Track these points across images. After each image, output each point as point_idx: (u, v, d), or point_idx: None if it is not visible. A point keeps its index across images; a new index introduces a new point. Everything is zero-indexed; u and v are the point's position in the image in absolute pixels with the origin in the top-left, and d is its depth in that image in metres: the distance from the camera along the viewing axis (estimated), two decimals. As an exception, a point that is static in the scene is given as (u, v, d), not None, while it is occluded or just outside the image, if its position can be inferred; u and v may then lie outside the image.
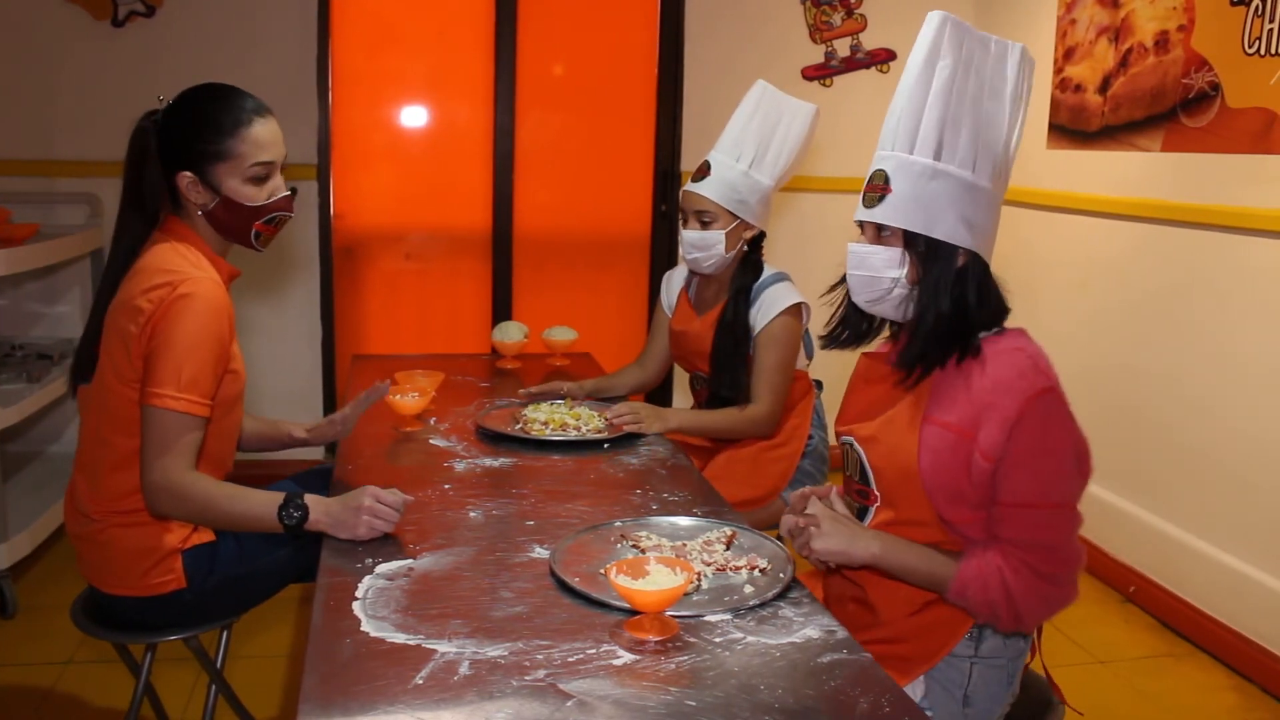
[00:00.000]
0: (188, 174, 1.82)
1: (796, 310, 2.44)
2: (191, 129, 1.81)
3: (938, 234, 1.51)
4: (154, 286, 1.74)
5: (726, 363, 2.48)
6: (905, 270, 1.53)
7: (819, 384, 2.67)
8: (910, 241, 1.53)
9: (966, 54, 1.51)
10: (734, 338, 2.46)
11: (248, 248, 1.93)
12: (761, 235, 2.52)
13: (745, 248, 2.49)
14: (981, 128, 1.51)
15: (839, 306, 1.69)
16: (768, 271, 2.51)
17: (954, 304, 1.52)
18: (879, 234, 1.57)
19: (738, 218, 2.44)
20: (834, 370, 2.73)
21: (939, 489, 1.51)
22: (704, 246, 2.45)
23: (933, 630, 1.57)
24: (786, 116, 2.48)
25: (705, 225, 2.44)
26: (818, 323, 2.56)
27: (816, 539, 1.52)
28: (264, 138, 1.84)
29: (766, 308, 2.44)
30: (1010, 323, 1.60)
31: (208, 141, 1.81)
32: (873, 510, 1.62)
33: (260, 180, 1.85)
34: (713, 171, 2.44)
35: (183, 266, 1.77)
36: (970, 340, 1.53)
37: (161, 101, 1.86)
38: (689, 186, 2.47)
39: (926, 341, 1.54)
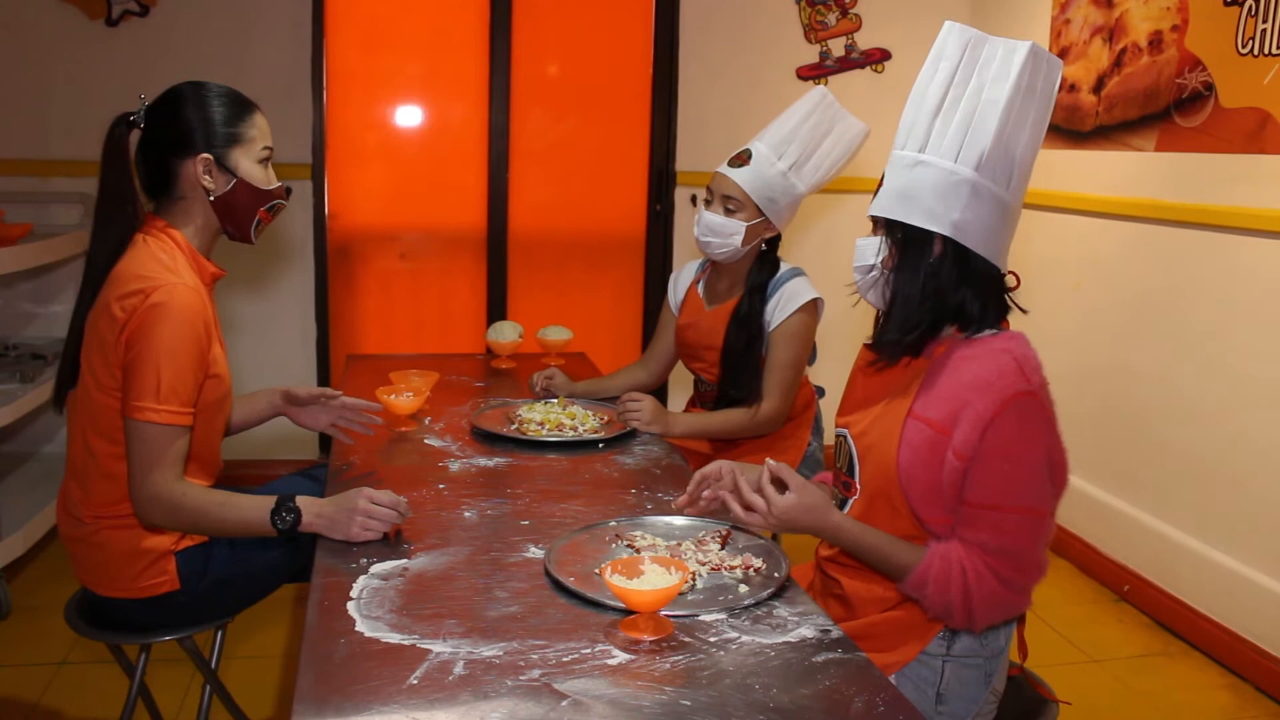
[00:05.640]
0: (206, 156, 1.83)
1: (813, 306, 2.42)
2: (209, 112, 1.83)
3: (912, 220, 1.52)
4: (128, 294, 1.73)
5: (738, 361, 2.44)
6: (883, 256, 1.57)
7: (820, 390, 2.66)
8: (890, 229, 1.56)
9: (969, 56, 1.53)
10: (748, 334, 2.43)
11: (244, 240, 1.94)
12: (778, 236, 2.50)
13: (764, 246, 2.47)
14: (973, 121, 1.51)
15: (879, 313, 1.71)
16: (783, 267, 2.49)
17: (924, 289, 1.53)
18: (875, 227, 1.61)
19: (763, 214, 2.42)
20: (835, 373, 2.73)
21: (914, 485, 1.52)
22: (721, 233, 2.41)
23: (904, 629, 1.57)
24: (838, 130, 2.47)
25: (730, 212, 2.41)
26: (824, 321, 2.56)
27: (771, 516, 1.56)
28: (265, 126, 1.91)
29: (784, 303, 2.41)
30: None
31: (228, 124, 1.84)
32: (851, 502, 1.63)
33: (266, 165, 1.91)
34: (752, 162, 2.41)
35: (157, 272, 1.75)
36: (940, 330, 1.55)
37: (143, 100, 1.86)
38: (724, 170, 2.43)
39: (895, 324, 1.57)
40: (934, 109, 1.53)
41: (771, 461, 1.58)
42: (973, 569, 1.47)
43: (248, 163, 1.87)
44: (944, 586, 1.48)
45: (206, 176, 1.84)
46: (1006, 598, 1.49)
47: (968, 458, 1.46)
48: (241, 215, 1.89)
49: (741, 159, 2.43)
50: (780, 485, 1.57)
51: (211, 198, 1.86)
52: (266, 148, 1.90)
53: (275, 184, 1.93)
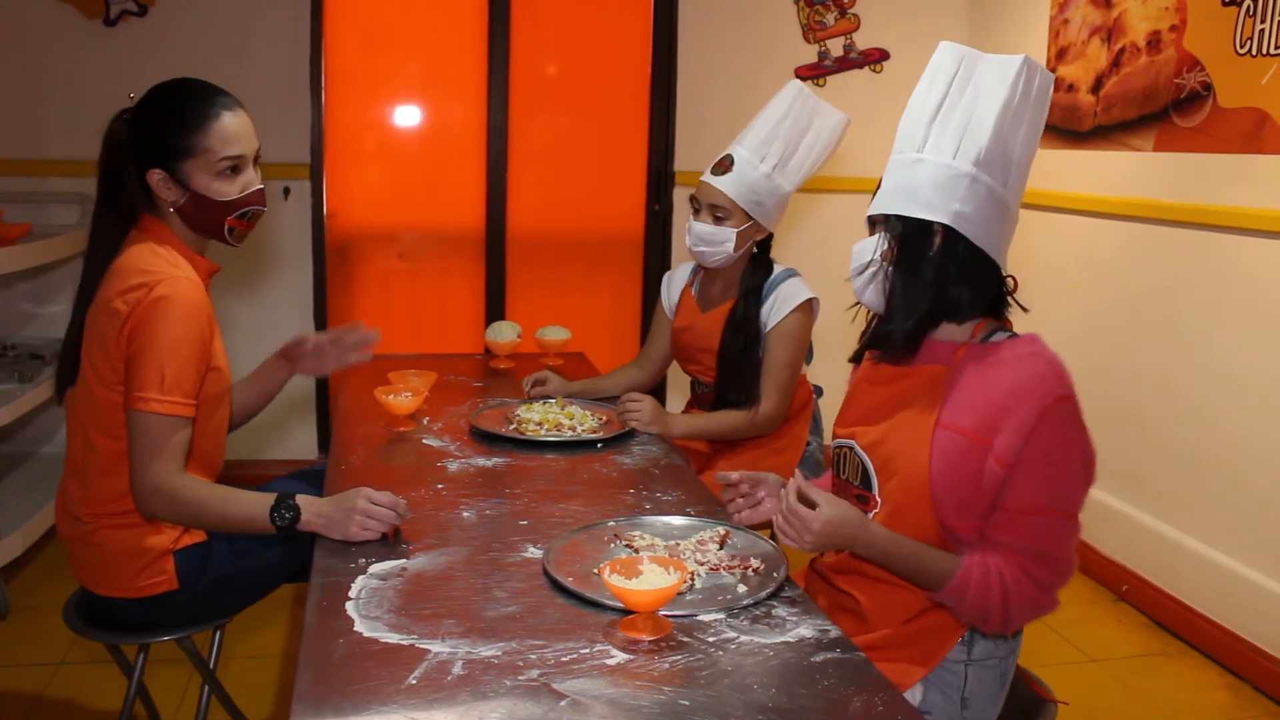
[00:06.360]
0: (158, 171, 1.81)
1: (808, 306, 2.42)
2: (159, 125, 1.80)
3: (912, 212, 1.53)
4: (130, 288, 1.73)
5: (735, 364, 2.44)
6: (881, 250, 1.57)
7: (818, 389, 2.66)
8: (889, 225, 1.56)
9: (964, 70, 1.55)
10: (745, 337, 2.42)
11: (222, 243, 1.92)
12: (769, 236, 2.49)
13: (755, 249, 2.47)
14: (970, 121, 1.52)
15: (870, 318, 1.70)
16: (777, 268, 2.48)
17: (925, 281, 1.53)
18: (872, 229, 1.61)
19: (752, 218, 2.41)
20: (832, 371, 2.73)
21: (947, 495, 1.51)
22: (713, 241, 2.41)
23: (926, 638, 1.57)
24: (817, 122, 2.45)
25: (718, 220, 2.40)
26: (823, 324, 2.56)
27: (807, 543, 1.52)
28: (232, 131, 1.82)
29: (780, 304, 2.41)
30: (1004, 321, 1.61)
31: (175, 137, 1.80)
32: (870, 516, 1.61)
33: (231, 175, 1.84)
34: (735, 168, 2.39)
35: (159, 266, 1.76)
36: (938, 323, 1.55)
37: (132, 99, 1.84)
38: (708, 178, 2.42)
39: (894, 316, 1.56)
40: (931, 115, 1.54)
41: (795, 480, 1.55)
42: (1010, 573, 1.47)
43: (202, 176, 1.81)
44: (983, 592, 1.47)
45: (163, 188, 1.82)
46: (1040, 599, 1.49)
47: (1010, 464, 1.46)
48: (207, 225, 1.87)
49: (724, 165, 2.41)
50: (807, 503, 1.53)
51: (171, 209, 1.85)
52: (229, 157, 1.81)
53: (250, 189, 1.86)
